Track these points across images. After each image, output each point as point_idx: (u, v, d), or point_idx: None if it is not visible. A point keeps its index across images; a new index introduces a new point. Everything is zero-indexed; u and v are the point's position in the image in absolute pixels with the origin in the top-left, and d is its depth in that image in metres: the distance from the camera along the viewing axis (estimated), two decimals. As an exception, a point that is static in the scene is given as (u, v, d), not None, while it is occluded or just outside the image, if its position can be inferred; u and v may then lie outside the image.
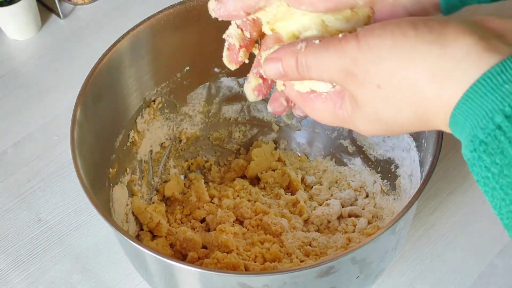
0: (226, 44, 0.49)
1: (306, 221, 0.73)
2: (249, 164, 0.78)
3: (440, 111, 0.36)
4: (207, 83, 0.75)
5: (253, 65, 0.50)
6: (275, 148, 0.81)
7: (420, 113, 0.37)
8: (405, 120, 0.38)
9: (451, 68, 0.34)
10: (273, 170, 0.78)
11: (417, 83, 0.36)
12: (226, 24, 0.65)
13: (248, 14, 0.47)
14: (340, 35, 0.39)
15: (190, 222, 0.73)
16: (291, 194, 0.76)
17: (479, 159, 0.34)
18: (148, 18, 0.66)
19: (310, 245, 0.69)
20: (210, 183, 0.78)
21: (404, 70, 0.36)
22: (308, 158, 0.80)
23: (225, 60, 0.50)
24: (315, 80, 0.42)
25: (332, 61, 0.39)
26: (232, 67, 0.50)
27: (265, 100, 0.78)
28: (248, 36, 0.48)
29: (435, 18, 0.37)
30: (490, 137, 0.33)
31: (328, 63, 0.39)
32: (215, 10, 0.46)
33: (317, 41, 0.40)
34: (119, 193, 0.68)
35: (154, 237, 0.71)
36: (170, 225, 0.72)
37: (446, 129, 0.37)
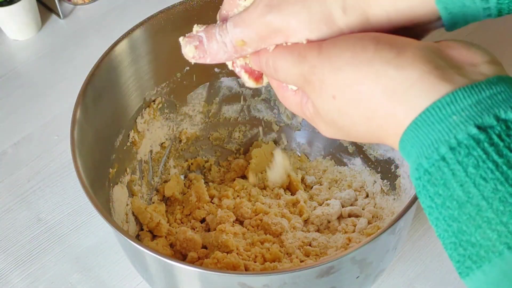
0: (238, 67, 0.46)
1: (306, 221, 0.73)
2: (249, 164, 0.78)
3: (391, 131, 0.35)
4: (207, 83, 0.75)
5: None
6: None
7: (373, 128, 0.37)
8: (360, 132, 0.38)
9: (403, 91, 0.34)
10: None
11: (370, 100, 0.35)
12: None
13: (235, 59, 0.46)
14: (304, 41, 0.39)
15: (190, 222, 0.73)
16: (291, 194, 0.76)
17: (424, 188, 0.34)
18: (148, 18, 0.66)
19: (310, 245, 0.69)
20: (210, 183, 0.78)
21: (358, 84, 0.36)
22: (308, 158, 0.80)
23: (245, 78, 0.47)
24: (281, 81, 0.42)
25: (294, 66, 0.39)
26: (253, 83, 0.47)
27: (265, 100, 0.79)
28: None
29: (401, 38, 0.36)
30: (434, 167, 0.33)
31: (289, 67, 0.39)
32: (196, 58, 0.44)
33: (288, 43, 0.40)
34: (119, 193, 0.68)
35: (154, 237, 0.71)
36: (170, 225, 0.72)
37: (397, 148, 0.36)
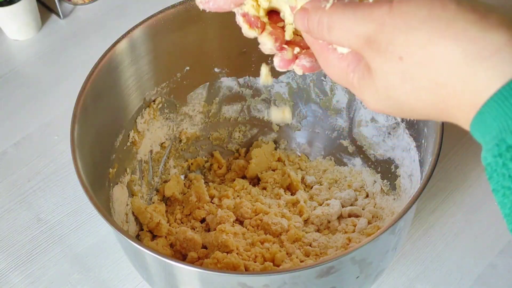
0: (238, 15, 0.45)
1: (306, 221, 0.73)
2: (249, 164, 0.78)
3: (465, 101, 0.32)
4: (207, 83, 0.75)
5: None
6: (275, 148, 0.81)
7: (440, 98, 0.33)
8: (419, 104, 0.34)
9: (487, 56, 0.30)
10: (273, 170, 0.78)
11: (446, 63, 0.32)
12: (226, 25, 0.64)
13: (239, 5, 0.44)
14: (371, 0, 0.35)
15: (190, 222, 0.73)
16: (291, 194, 0.76)
17: (504, 166, 0.30)
18: (148, 18, 0.66)
19: (310, 245, 0.69)
20: (210, 183, 0.78)
21: (434, 45, 0.32)
22: (308, 158, 0.80)
23: (245, 28, 0.45)
24: (333, 43, 0.38)
25: (357, 24, 0.35)
26: (253, 33, 0.45)
27: (265, 100, 0.78)
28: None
29: (483, 2, 0.32)
30: None
31: (351, 26, 0.35)
32: (203, 2, 0.44)
33: (347, 0, 0.36)
34: (119, 193, 0.68)
35: (154, 237, 0.71)
36: (170, 225, 0.72)
37: (465, 125, 0.33)
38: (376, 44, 0.34)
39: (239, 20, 0.45)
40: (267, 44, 0.44)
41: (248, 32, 0.45)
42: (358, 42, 0.35)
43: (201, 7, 0.45)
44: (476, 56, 0.31)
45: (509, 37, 0.30)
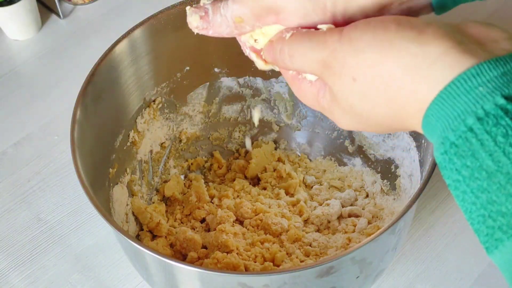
0: (246, 48, 0.46)
1: (306, 221, 0.73)
2: (249, 164, 0.78)
3: (414, 109, 0.35)
4: (207, 83, 0.75)
5: None
6: (275, 148, 0.81)
7: (395, 110, 0.36)
8: (381, 117, 0.38)
9: (426, 67, 0.34)
10: (274, 170, 0.78)
11: (392, 79, 0.35)
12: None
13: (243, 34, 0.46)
14: (325, 28, 0.39)
15: (190, 222, 0.73)
16: (291, 196, 0.76)
17: (450, 161, 0.33)
18: (148, 18, 0.66)
19: (310, 245, 0.69)
20: (210, 183, 0.78)
21: (380, 64, 0.36)
22: (308, 158, 0.80)
23: (260, 64, 0.46)
24: (296, 70, 0.42)
25: (313, 51, 0.39)
26: (270, 67, 0.46)
27: (265, 100, 0.78)
28: None
29: (420, 19, 0.36)
30: (461, 139, 0.33)
31: (308, 53, 0.39)
32: (200, 28, 0.45)
33: (304, 30, 0.40)
34: (119, 193, 0.68)
35: (154, 237, 0.71)
36: (170, 225, 0.72)
37: (421, 130, 0.36)
38: (332, 68, 0.38)
39: (251, 55, 0.46)
40: (257, 63, 0.46)
41: (264, 67, 0.46)
42: (316, 67, 0.39)
43: (195, 31, 0.45)
44: (417, 69, 0.34)
45: (443, 48, 0.34)
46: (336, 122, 0.41)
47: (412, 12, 0.41)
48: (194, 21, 0.45)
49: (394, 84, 0.35)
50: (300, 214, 0.73)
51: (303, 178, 0.78)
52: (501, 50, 0.34)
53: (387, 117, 0.37)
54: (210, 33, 0.45)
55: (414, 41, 0.35)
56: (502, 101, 0.32)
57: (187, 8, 0.45)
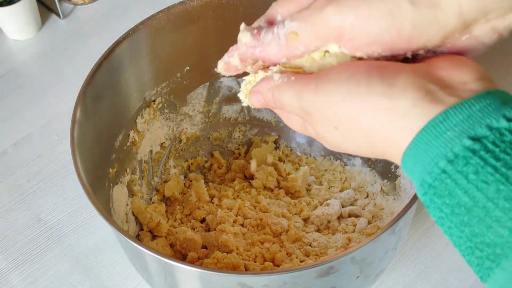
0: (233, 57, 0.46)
1: (306, 221, 0.73)
2: (249, 164, 0.78)
3: (392, 153, 0.38)
4: (207, 83, 0.75)
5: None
6: (275, 148, 0.81)
7: (376, 150, 0.39)
8: (364, 151, 0.41)
9: (398, 119, 0.36)
10: (275, 169, 0.78)
11: (370, 129, 0.38)
12: (226, 25, 0.65)
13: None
14: (362, 39, 0.39)
15: (190, 222, 0.73)
16: (292, 196, 0.76)
17: (431, 201, 0.35)
18: (148, 18, 0.66)
19: (310, 245, 0.69)
20: (210, 183, 0.78)
21: (357, 117, 0.38)
22: (308, 158, 0.80)
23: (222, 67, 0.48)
24: (288, 112, 0.44)
25: (295, 99, 0.41)
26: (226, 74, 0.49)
27: (265, 100, 0.78)
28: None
29: (391, 66, 0.38)
30: (437, 180, 0.35)
31: (292, 101, 0.42)
32: (248, 45, 0.43)
33: (292, 78, 0.42)
34: (119, 193, 0.68)
35: (154, 237, 0.71)
36: (170, 225, 0.72)
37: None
38: (313, 116, 0.41)
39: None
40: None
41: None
42: (301, 113, 0.42)
43: (242, 50, 0.44)
44: (390, 121, 0.37)
45: (412, 100, 0.36)
46: (327, 147, 0.44)
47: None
48: (244, 38, 0.44)
49: (371, 132, 0.38)
50: (300, 214, 0.73)
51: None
52: (469, 92, 0.36)
53: (371, 153, 0.41)
54: (257, 51, 0.43)
55: (385, 95, 0.37)
56: (469, 142, 0.34)
57: (242, 25, 0.44)
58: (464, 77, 0.37)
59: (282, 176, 0.77)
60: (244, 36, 0.44)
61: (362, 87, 0.38)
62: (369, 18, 0.38)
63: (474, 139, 0.34)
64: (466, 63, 0.38)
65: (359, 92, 0.38)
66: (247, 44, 0.43)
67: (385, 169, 0.73)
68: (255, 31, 0.43)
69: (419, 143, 0.35)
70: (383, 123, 0.37)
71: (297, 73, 0.43)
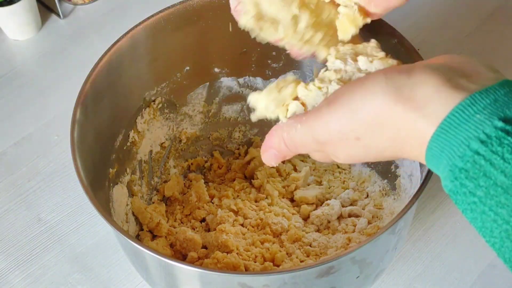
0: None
1: (306, 221, 0.73)
2: (249, 164, 0.78)
3: (415, 146, 0.38)
4: (207, 83, 0.75)
5: None
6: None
7: (398, 148, 0.40)
8: (387, 156, 0.42)
9: (422, 106, 0.37)
10: (277, 171, 0.78)
11: (393, 125, 0.38)
12: (226, 25, 0.65)
13: None
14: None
15: (190, 222, 0.73)
16: (291, 198, 0.76)
17: (462, 186, 0.35)
18: (148, 18, 0.66)
19: (310, 245, 0.69)
20: (210, 183, 0.78)
21: (378, 116, 0.38)
22: (308, 158, 0.80)
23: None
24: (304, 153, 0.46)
25: (308, 134, 0.43)
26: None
27: (265, 100, 0.78)
28: None
29: (404, 65, 0.40)
30: (469, 163, 0.35)
31: (306, 137, 0.44)
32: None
33: (302, 119, 0.44)
34: (119, 193, 0.68)
35: (154, 237, 0.71)
36: (170, 225, 0.72)
37: (423, 160, 0.39)
38: (330, 142, 0.42)
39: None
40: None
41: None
42: (317, 147, 0.44)
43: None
44: (414, 110, 0.37)
45: (435, 86, 0.36)
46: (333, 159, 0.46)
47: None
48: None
49: (395, 128, 0.38)
50: (300, 214, 0.73)
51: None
52: (486, 80, 0.37)
53: (392, 154, 0.41)
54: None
55: (405, 86, 0.37)
56: (500, 123, 0.34)
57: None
58: (477, 69, 0.38)
59: (281, 176, 0.77)
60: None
61: (381, 83, 0.38)
62: None
63: (505, 120, 0.34)
64: (472, 58, 0.39)
65: (376, 90, 0.38)
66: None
67: (385, 169, 0.73)
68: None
69: (447, 128, 0.36)
70: (406, 114, 0.37)
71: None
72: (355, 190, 0.75)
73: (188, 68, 0.73)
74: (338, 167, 0.78)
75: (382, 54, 0.47)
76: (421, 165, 0.63)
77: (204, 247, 0.69)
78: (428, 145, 0.37)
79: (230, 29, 0.63)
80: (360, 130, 0.40)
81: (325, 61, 0.50)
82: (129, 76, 0.67)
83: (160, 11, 0.67)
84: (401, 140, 0.39)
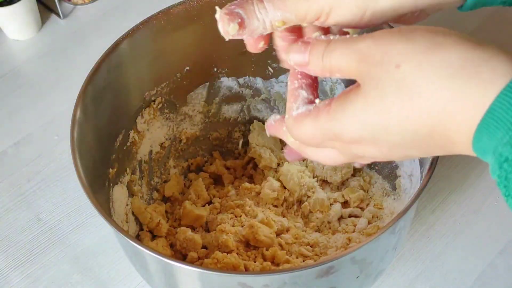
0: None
1: (306, 221, 0.72)
2: (248, 164, 0.78)
3: (460, 130, 0.34)
4: (207, 83, 0.75)
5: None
6: (275, 148, 0.81)
7: (436, 141, 0.36)
8: (423, 152, 0.38)
9: (477, 64, 0.34)
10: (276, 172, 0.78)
11: (434, 105, 0.35)
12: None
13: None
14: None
15: (190, 222, 0.73)
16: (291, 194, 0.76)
17: None
18: (148, 18, 0.66)
19: (310, 245, 0.69)
20: (210, 184, 0.78)
21: (419, 96, 0.35)
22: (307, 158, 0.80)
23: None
24: (333, 69, 0.40)
25: (350, 45, 0.38)
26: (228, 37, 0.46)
27: (265, 100, 0.78)
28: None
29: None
30: None
31: (345, 48, 0.39)
32: (235, 36, 0.44)
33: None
34: (119, 193, 0.68)
35: (154, 237, 0.71)
36: (170, 225, 0.72)
37: (467, 144, 0.35)
38: (371, 57, 0.37)
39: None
40: None
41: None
42: (353, 59, 0.38)
43: (227, 38, 0.45)
44: (472, 65, 0.34)
45: (494, 50, 0.34)
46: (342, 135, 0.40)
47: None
48: (233, 30, 0.43)
49: (436, 110, 0.35)
50: (300, 214, 0.73)
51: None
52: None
53: (428, 148, 0.37)
54: (245, 36, 0.44)
55: (464, 37, 0.35)
56: None
57: (219, 13, 0.43)
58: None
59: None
60: (233, 29, 0.43)
61: (438, 36, 0.35)
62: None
63: None
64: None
65: (438, 30, 0.35)
66: (234, 35, 0.44)
67: (385, 169, 0.73)
68: (239, 20, 0.43)
69: (503, 103, 0.32)
70: (452, 92, 0.34)
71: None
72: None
73: (188, 68, 0.73)
74: (337, 166, 0.78)
75: None
76: (421, 165, 0.63)
77: (204, 247, 0.69)
78: (480, 123, 0.33)
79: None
80: (404, 58, 0.36)
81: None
82: (129, 76, 0.67)
83: (160, 11, 0.67)
84: (441, 127, 0.35)
